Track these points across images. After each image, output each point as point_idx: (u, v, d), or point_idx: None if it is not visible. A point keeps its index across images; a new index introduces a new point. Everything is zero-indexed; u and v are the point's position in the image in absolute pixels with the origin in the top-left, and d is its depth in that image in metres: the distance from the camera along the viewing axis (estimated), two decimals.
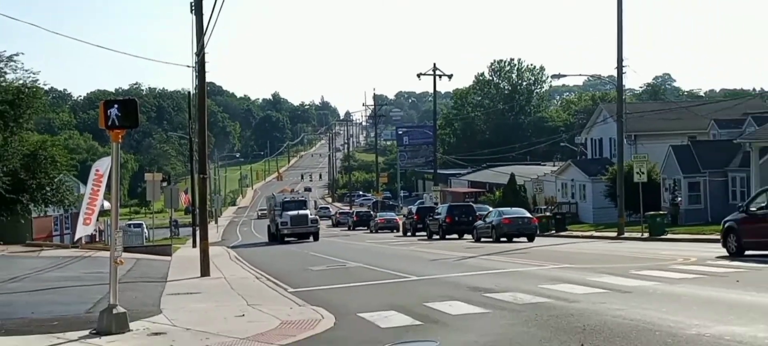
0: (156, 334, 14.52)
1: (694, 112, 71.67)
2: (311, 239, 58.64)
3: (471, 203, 65.36)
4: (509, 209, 52.03)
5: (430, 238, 55.07)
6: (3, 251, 37.19)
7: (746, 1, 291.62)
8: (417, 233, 60.59)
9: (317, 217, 71.33)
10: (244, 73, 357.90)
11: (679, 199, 55.55)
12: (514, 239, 44.17)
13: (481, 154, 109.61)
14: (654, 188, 50.81)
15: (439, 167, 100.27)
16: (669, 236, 41.49)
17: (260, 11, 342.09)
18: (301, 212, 60.67)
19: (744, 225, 26.85)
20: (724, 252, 27.18)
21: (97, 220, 39.97)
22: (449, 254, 34.99)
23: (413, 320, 15.08)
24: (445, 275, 24.14)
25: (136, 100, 15.68)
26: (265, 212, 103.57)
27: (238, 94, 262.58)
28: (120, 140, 15.13)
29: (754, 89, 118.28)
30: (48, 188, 46.98)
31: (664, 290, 18.03)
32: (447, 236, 53.00)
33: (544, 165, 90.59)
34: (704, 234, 40.63)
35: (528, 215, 48.51)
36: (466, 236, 50.42)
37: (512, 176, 79.73)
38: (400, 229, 69.32)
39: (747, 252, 25.92)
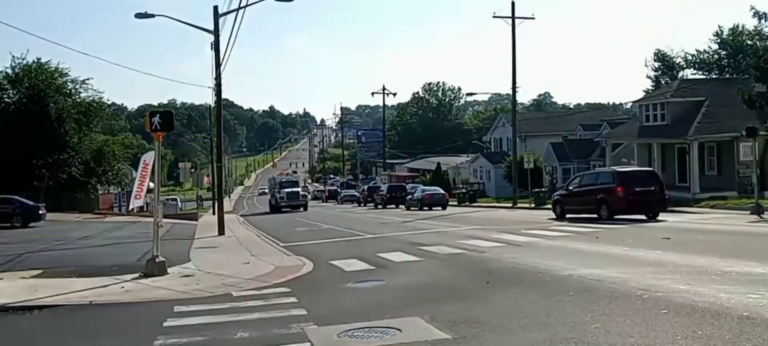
0: (187, 276, 14.70)
1: (566, 120, 72.62)
2: (301, 209, 53.64)
3: (403, 184, 66.18)
4: (430, 187, 53.37)
5: (376, 207, 56.15)
6: (78, 218, 38.10)
7: (604, 38, 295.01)
8: (368, 204, 60.65)
9: (307, 193, 65.54)
10: (248, 91, 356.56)
11: (556, 180, 56.07)
12: (433, 208, 44.63)
13: (417, 149, 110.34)
14: (538, 173, 51.11)
15: (387, 158, 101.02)
16: (549, 206, 41.71)
17: (259, 45, 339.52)
18: (294, 189, 56.89)
19: (565, 198, 29.61)
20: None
21: (146, 195, 40.98)
22: (392, 219, 34.88)
23: (368, 266, 15.08)
24: (391, 234, 24.04)
25: (172, 112, 16.26)
26: (265, 190, 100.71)
27: (245, 106, 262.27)
28: (161, 139, 15.52)
29: (608, 102, 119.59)
30: (110, 173, 49.20)
31: (545, 244, 18.13)
32: (387, 206, 53.87)
33: (461, 156, 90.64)
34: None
35: (442, 191, 49.51)
36: (400, 206, 50.93)
37: (438, 164, 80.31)
38: (359, 202, 69.11)
39: (567, 216, 28.18)
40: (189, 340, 8.50)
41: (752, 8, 28.60)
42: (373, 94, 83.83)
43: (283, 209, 53.53)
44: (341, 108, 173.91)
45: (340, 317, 9.31)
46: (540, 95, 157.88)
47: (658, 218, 25.02)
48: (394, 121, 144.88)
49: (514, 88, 46.06)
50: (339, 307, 10.26)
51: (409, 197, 49.83)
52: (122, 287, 13.11)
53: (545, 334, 7.68)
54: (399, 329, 8.27)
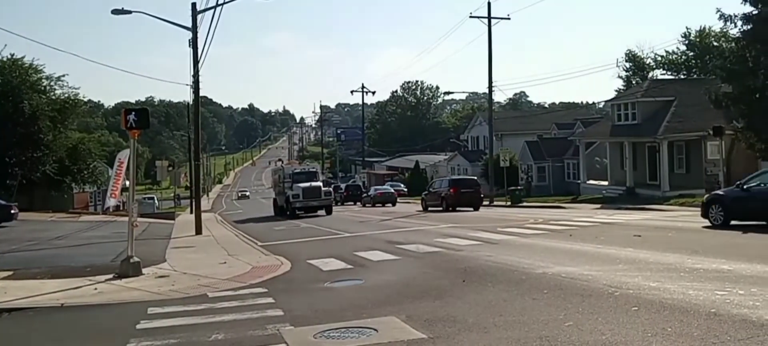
0: (162, 276, 14.47)
1: (541, 119, 73.09)
2: (324, 212, 38.31)
3: (359, 183, 71.22)
4: (382, 186, 60.61)
5: (335, 204, 57.54)
6: (52, 217, 37.06)
7: (577, 38, 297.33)
8: (346, 203, 60.35)
9: (330, 189, 44.96)
10: (228, 89, 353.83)
11: (531, 178, 56.41)
12: (386, 205, 48.92)
13: (396, 147, 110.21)
14: (514, 171, 51.44)
15: (367, 156, 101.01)
16: (524, 204, 42.01)
17: (239, 43, 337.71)
18: (314, 183, 38.98)
19: (428, 196, 41.03)
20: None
21: (121, 194, 40.63)
22: (371, 217, 34.83)
23: (346, 265, 15.05)
24: (370, 233, 23.99)
25: (148, 109, 15.97)
26: (245, 193, 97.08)
27: (224, 104, 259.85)
28: (137, 137, 15.22)
29: (582, 102, 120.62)
30: (85, 172, 47.95)
31: (520, 241, 18.20)
32: (345, 203, 58.16)
33: (439, 155, 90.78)
34: (547, 203, 41.31)
35: (391, 190, 55.10)
36: (357, 203, 56.60)
37: (417, 162, 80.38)
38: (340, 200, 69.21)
39: (429, 209, 39.04)
40: (162, 342, 8.33)
41: (718, 10, 29.04)
42: (352, 92, 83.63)
43: (298, 212, 37.93)
44: (321, 106, 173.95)
45: (317, 317, 9.26)
46: (516, 94, 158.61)
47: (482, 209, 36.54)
48: (374, 120, 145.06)
49: (490, 87, 46.31)
50: (316, 307, 10.18)
51: (365, 195, 57.38)
52: (95, 289, 12.85)
53: (520, 332, 7.71)
54: (375, 329, 8.23)
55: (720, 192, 21.38)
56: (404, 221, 30.07)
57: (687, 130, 38.82)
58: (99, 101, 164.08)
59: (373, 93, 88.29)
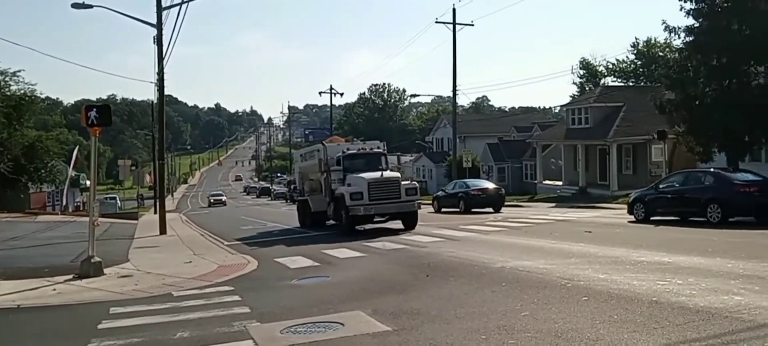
0: (124, 276, 14.13)
1: (502, 122, 74.06)
2: (406, 224, 22.77)
3: None
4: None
5: (294, 202, 58.69)
6: (6, 217, 35.35)
7: (535, 49, 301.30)
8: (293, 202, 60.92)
9: (415, 184, 23.92)
10: (194, 88, 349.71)
11: (492, 178, 57.02)
12: None
13: None
14: (476, 171, 51.84)
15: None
16: None
17: (206, 42, 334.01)
18: (386, 173, 23.01)
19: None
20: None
21: (81, 193, 38.86)
22: None
23: (313, 262, 15.10)
24: (335, 231, 24.04)
25: (110, 106, 15.50)
26: (220, 196, 77.59)
27: (190, 103, 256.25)
28: (98, 135, 14.75)
29: (540, 106, 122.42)
30: (43, 171, 45.78)
31: (481, 238, 18.54)
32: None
33: (406, 156, 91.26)
34: (506, 202, 41.58)
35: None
36: None
37: None
38: (286, 198, 70.77)
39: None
40: (125, 342, 8.12)
41: (664, 22, 29.89)
42: (320, 93, 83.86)
43: (359, 221, 22.57)
44: (289, 107, 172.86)
45: (284, 313, 9.26)
46: (478, 98, 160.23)
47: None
48: (341, 121, 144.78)
49: (454, 91, 46.74)
50: (283, 304, 10.17)
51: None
52: (54, 289, 12.41)
53: (480, 322, 7.95)
54: (341, 324, 8.33)
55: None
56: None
57: (634, 134, 39.89)
58: (58, 98, 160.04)
59: (341, 94, 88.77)
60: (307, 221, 26.27)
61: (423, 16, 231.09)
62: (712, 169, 23.66)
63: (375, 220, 22.65)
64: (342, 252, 16.56)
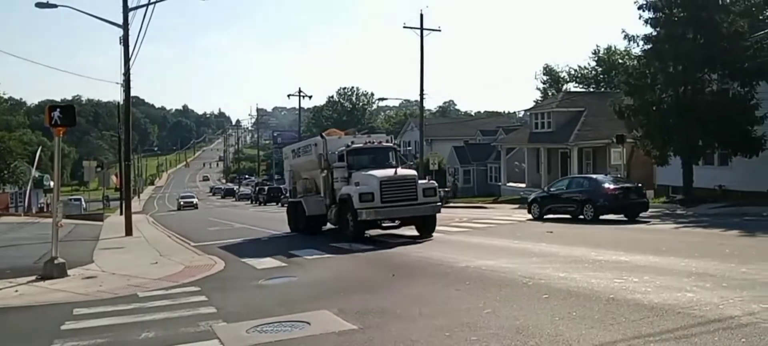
0: (89, 277, 13.88)
1: (468, 125, 74.57)
2: (414, 228, 19.54)
3: (279, 186, 69.69)
4: None
5: (261, 204, 61.80)
6: None
7: (502, 52, 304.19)
8: (268, 204, 62.06)
9: (434, 183, 19.93)
10: (161, 89, 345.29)
11: (458, 180, 57.41)
12: None
13: None
14: (442, 174, 52.24)
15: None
16: (451, 204, 42.66)
17: (174, 43, 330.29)
18: (400, 170, 19.68)
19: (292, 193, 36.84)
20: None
21: (45, 194, 38.03)
22: None
23: (281, 263, 15.05)
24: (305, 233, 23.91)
25: (74, 106, 15.16)
26: (190, 199, 69.21)
27: (157, 105, 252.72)
28: (61, 136, 14.46)
29: (504, 111, 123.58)
30: (5, 172, 44.42)
31: (446, 238, 18.69)
32: (268, 203, 60.00)
33: None
34: (471, 203, 42.15)
35: None
36: (278, 203, 57.49)
37: None
38: (252, 199, 73.30)
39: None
40: (89, 342, 7.95)
41: (623, 31, 30.68)
42: (289, 96, 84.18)
43: (368, 226, 18.95)
44: (257, 109, 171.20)
45: (250, 313, 9.20)
46: (445, 102, 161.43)
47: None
48: (310, 123, 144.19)
49: (421, 95, 47.02)
50: (249, 304, 10.10)
51: (283, 196, 55.65)
52: (16, 291, 12.11)
53: (444, 320, 8.01)
54: (308, 323, 8.31)
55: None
56: None
57: (594, 138, 40.64)
58: (21, 99, 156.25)
59: (310, 97, 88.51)
60: (301, 226, 22.56)
61: (392, 21, 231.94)
62: (589, 175, 27.52)
63: (384, 225, 19.27)
64: (309, 253, 16.51)
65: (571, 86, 72.39)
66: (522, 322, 7.64)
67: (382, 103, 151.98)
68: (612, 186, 23.71)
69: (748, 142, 28.04)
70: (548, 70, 76.75)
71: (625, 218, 22.74)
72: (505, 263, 12.52)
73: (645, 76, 30.28)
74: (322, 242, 19.09)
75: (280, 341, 7.63)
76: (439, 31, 46.31)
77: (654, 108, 29.61)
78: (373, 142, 21.26)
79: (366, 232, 19.00)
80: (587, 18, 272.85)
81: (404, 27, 44.89)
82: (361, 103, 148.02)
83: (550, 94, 69.98)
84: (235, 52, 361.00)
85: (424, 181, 19.32)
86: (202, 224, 33.36)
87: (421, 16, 44.49)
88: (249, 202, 72.92)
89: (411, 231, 19.56)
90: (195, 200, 69.56)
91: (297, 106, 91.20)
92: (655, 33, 29.82)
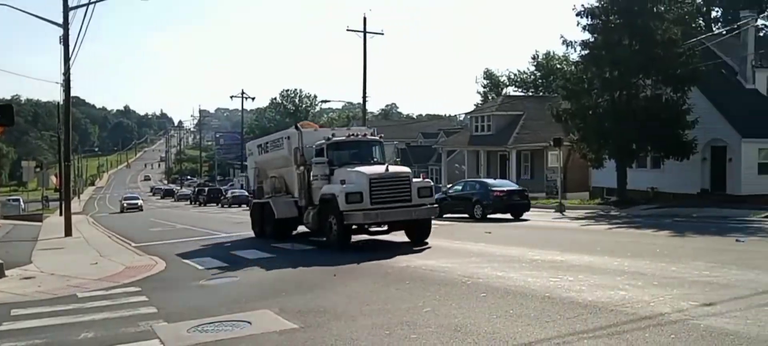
0: (27, 278, 13.54)
1: (410, 128, 75.06)
2: (404, 233, 16.95)
3: (220, 188, 71.82)
4: (237, 189, 61.53)
5: (201, 205, 61.95)
6: None
7: (443, 56, 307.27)
8: (208, 204, 61.98)
9: (430, 183, 17.41)
10: (103, 89, 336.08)
11: None
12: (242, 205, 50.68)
13: None
14: None
15: (245, 160, 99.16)
16: None
17: (116, 43, 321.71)
18: (393, 168, 16.56)
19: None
20: None
21: None
22: (246, 218, 34.22)
23: (223, 263, 14.87)
24: (246, 233, 23.61)
25: (12, 105, 14.76)
26: (133, 200, 62.92)
27: (98, 105, 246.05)
28: (0, 135, 13.78)
29: (446, 114, 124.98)
30: None
31: (387, 239, 18.45)
32: (207, 204, 60.68)
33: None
34: None
35: (246, 192, 57.07)
36: (219, 204, 58.61)
37: None
38: (191, 200, 72.96)
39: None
40: (27, 343, 7.79)
41: (562, 37, 31.43)
42: (232, 97, 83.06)
43: (355, 231, 16.58)
44: (200, 110, 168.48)
45: (191, 313, 9.07)
46: (388, 105, 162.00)
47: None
48: (253, 125, 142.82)
49: (364, 97, 46.94)
50: (190, 304, 9.96)
51: (223, 197, 58.72)
52: None
53: (384, 319, 8.01)
54: (249, 322, 8.22)
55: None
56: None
57: (533, 141, 41.46)
58: None
59: (253, 99, 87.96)
60: (269, 229, 19.89)
61: (335, 24, 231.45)
62: (481, 179, 29.79)
63: (372, 230, 16.76)
64: (251, 253, 16.32)
65: (511, 90, 73.76)
66: (460, 320, 7.68)
67: (325, 106, 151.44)
68: (498, 189, 26.17)
69: (679, 145, 28.97)
70: (489, 75, 78.03)
71: (511, 217, 25.23)
72: (444, 262, 12.60)
73: (582, 81, 30.99)
74: (264, 242, 18.88)
75: (221, 340, 7.52)
76: (382, 34, 46.43)
77: (590, 112, 30.34)
78: (357, 135, 18.38)
79: (352, 238, 16.40)
80: (527, 24, 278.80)
81: (347, 30, 44.78)
82: (304, 105, 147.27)
83: (490, 97, 71.05)
84: (178, 52, 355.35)
85: (418, 179, 16.67)
86: (144, 224, 32.61)
87: (365, 19, 44.48)
88: (188, 202, 72.74)
89: (399, 236, 17.08)
90: (140, 202, 63.44)
91: (240, 108, 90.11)
92: (592, 39, 30.60)
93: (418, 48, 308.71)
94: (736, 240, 14.78)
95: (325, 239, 16.71)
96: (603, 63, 29.82)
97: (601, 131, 29.72)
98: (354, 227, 15.74)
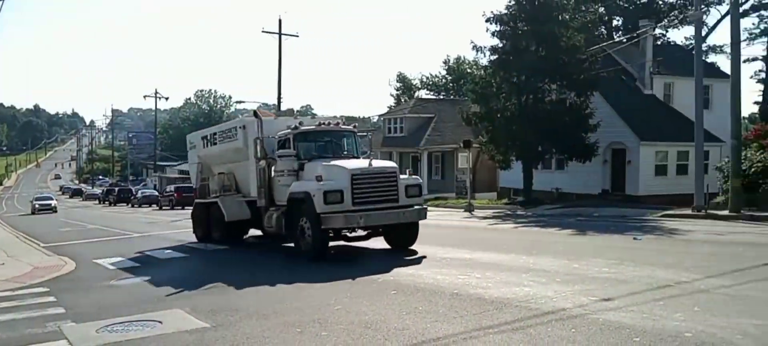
0: None
1: None
2: (391, 242, 14.34)
3: (130, 187, 71.71)
4: (146, 189, 63.15)
5: (111, 204, 60.76)
6: None
7: (358, 58, 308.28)
8: (118, 204, 61.11)
9: (419, 180, 14.84)
10: (10, 87, 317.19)
11: None
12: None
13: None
14: None
15: (158, 160, 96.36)
16: None
17: (25, 39, 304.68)
18: (377, 163, 14.66)
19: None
20: None
21: None
22: (160, 218, 33.27)
23: (134, 263, 14.44)
24: (160, 232, 23.00)
25: None
26: (47, 202, 54.91)
27: (6, 103, 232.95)
28: None
29: (360, 116, 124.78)
30: None
31: None
32: (117, 204, 60.06)
33: None
34: None
35: (156, 193, 56.53)
36: (128, 204, 58.17)
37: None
38: (100, 199, 71.58)
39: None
40: None
41: (472, 42, 31.83)
42: (145, 97, 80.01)
43: (331, 239, 13.77)
44: (112, 110, 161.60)
45: (101, 313, 8.77)
46: (303, 106, 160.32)
47: None
48: (166, 125, 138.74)
49: (279, 98, 46.25)
50: (100, 304, 9.62)
51: (133, 197, 58.78)
52: None
53: (296, 317, 7.92)
54: (160, 322, 8.02)
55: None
56: (184, 222, 29.05)
57: (444, 142, 42.26)
58: None
59: (167, 99, 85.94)
60: (217, 234, 17.42)
61: (251, 25, 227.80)
62: None
63: (349, 236, 13.96)
64: (164, 253, 15.89)
65: (423, 93, 74.70)
66: (371, 317, 7.70)
67: (239, 106, 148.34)
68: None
69: (582, 148, 29.91)
70: (402, 78, 78.82)
71: None
72: (357, 261, 12.60)
73: (491, 86, 31.58)
74: (176, 240, 18.36)
75: (131, 340, 7.29)
76: (297, 36, 46.24)
77: (498, 115, 30.97)
78: (329, 124, 15.56)
79: (327, 241, 13.35)
80: (440, 29, 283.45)
81: (263, 32, 44.12)
82: (218, 106, 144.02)
83: (403, 100, 71.72)
84: (90, 51, 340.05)
85: (405, 176, 14.09)
86: (54, 224, 31.10)
87: (280, 21, 43.91)
88: (97, 202, 71.17)
89: (378, 242, 14.45)
90: (53, 202, 55.68)
91: (153, 108, 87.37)
92: (501, 45, 31.22)
93: (334, 50, 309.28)
94: (634, 238, 15.27)
95: (293, 245, 13.88)
96: (511, 68, 30.43)
97: (508, 134, 30.32)
98: (330, 232, 13.15)
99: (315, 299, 9.03)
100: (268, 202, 14.92)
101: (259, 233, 17.46)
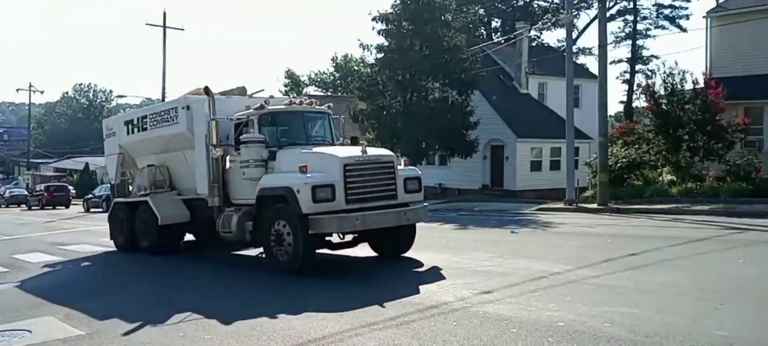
0: None
1: None
2: (378, 249, 11.77)
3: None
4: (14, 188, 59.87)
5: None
6: None
7: (245, 55, 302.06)
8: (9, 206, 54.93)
9: (418, 172, 11.60)
10: None
11: None
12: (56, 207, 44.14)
13: (65, 149, 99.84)
14: None
15: (32, 157, 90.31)
16: None
17: None
18: (372, 150, 11.54)
19: None
20: None
21: None
22: (33, 219, 31.03)
23: (2, 268, 13.20)
24: (31, 235, 21.39)
25: None
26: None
27: None
28: None
29: None
30: None
31: (189, 238, 17.80)
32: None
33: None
34: None
35: (25, 192, 53.80)
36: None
37: (86, 164, 73.86)
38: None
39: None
40: None
41: (359, 40, 32.04)
42: (18, 90, 74.27)
43: (318, 247, 10.83)
44: None
45: None
46: None
47: None
48: (42, 120, 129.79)
49: (163, 93, 44.47)
50: None
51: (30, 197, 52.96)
52: None
53: (177, 319, 7.60)
54: (29, 331, 7.44)
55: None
56: (71, 222, 27.39)
57: None
58: None
59: (42, 92, 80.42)
60: (148, 241, 14.04)
61: (133, 16, 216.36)
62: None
63: (334, 242, 11.30)
64: (35, 256, 14.74)
65: (311, 90, 74.34)
66: (258, 319, 7.51)
67: (121, 101, 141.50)
68: None
69: (463, 144, 30.82)
70: (290, 74, 78.04)
71: None
72: (252, 258, 12.32)
73: (377, 83, 31.87)
74: (49, 244, 17.18)
75: None
76: (183, 30, 44.86)
77: (384, 113, 31.31)
78: (301, 103, 12.80)
79: (313, 249, 10.59)
80: (328, 27, 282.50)
81: (147, 24, 42.40)
82: (98, 100, 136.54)
83: (291, 96, 71.17)
84: None
85: (402, 167, 11.40)
86: None
87: (164, 14, 42.26)
88: None
89: (364, 249, 11.99)
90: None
91: (27, 102, 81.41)
92: (386, 43, 31.61)
93: (221, 46, 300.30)
94: (512, 232, 15.85)
95: (263, 256, 11.31)
96: (396, 66, 30.83)
97: (394, 131, 30.68)
98: (323, 234, 10.47)
99: (203, 302, 8.63)
100: (223, 201, 12.01)
101: (192, 238, 15.18)
